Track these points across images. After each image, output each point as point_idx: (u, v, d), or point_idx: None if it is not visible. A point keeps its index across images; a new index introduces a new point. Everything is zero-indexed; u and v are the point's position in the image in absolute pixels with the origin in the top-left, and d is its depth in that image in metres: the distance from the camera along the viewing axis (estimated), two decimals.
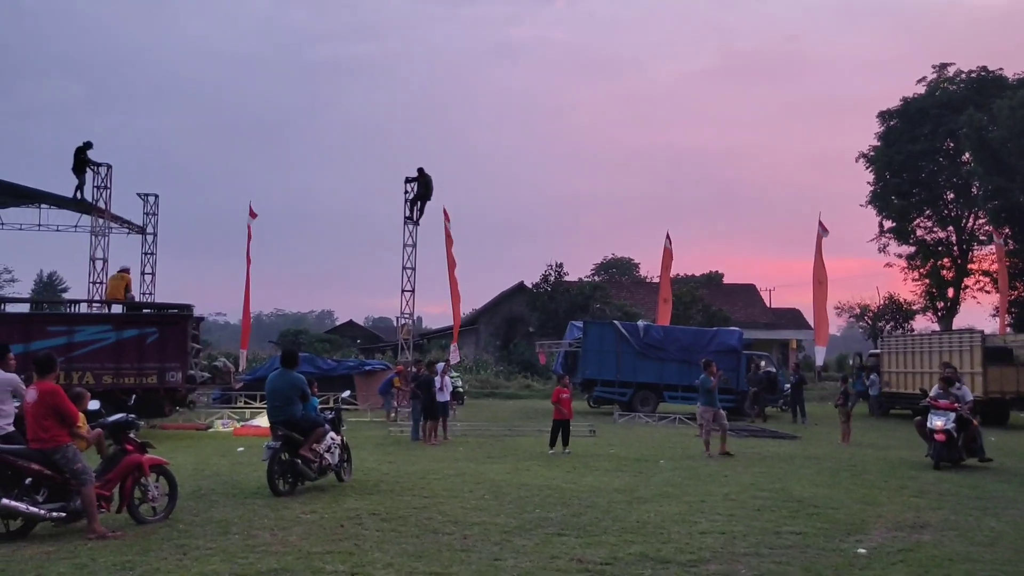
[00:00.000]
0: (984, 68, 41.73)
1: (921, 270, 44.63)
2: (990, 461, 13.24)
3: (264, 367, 26.72)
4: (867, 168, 44.07)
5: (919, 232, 44.27)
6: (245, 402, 23.98)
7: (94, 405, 8.60)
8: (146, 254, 24.97)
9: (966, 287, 43.72)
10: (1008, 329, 32.09)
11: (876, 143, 43.91)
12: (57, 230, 25.24)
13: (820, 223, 27.00)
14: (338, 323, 79.83)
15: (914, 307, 47.28)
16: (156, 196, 25.26)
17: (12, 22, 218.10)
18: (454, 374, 22.42)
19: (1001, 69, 41.39)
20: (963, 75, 42.16)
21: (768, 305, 55.96)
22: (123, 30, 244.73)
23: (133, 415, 8.35)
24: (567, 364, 27.22)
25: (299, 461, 9.62)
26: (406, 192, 23.11)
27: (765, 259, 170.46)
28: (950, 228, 44.00)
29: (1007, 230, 36.95)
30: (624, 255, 74.30)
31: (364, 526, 7.77)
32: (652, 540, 7.30)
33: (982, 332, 24.92)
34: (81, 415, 7.58)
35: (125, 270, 20.73)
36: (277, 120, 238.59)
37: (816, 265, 26.68)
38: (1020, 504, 9.77)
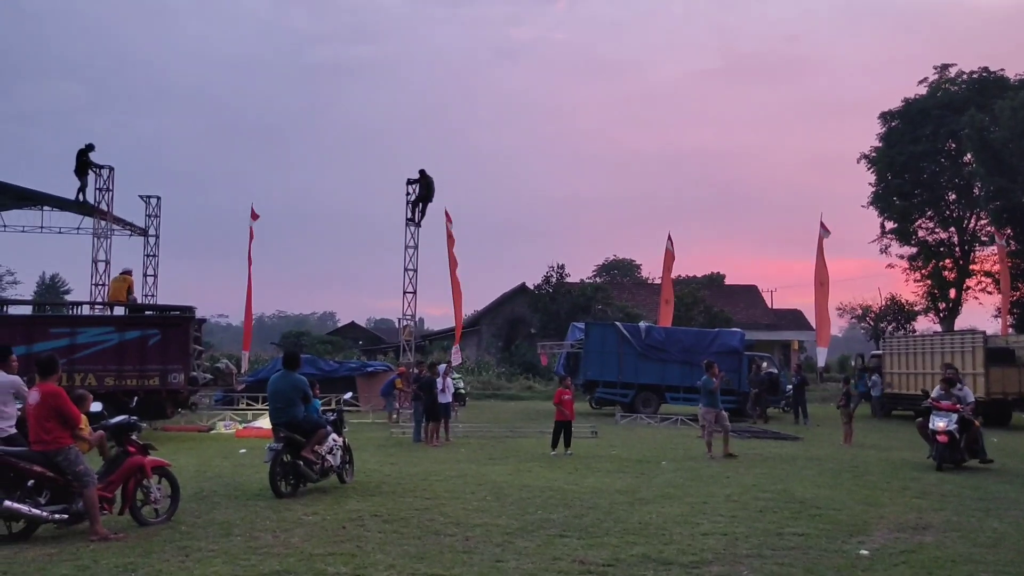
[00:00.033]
0: (986, 69, 41.77)
1: (923, 271, 44.60)
2: (992, 462, 13.24)
3: (266, 369, 26.77)
4: (868, 169, 44.13)
5: (921, 233, 44.25)
6: (247, 404, 23.96)
7: (96, 407, 8.63)
8: (148, 256, 25.02)
9: (968, 288, 43.71)
10: (1010, 330, 32.00)
11: (877, 144, 43.93)
12: (59, 232, 25.38)
13: (821, 224, 26.92)
14: (340, 325, 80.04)
15: (916, 308, 47.28)
16: (158, 198, 25.31)
17: (13, 24, 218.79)
18: (456, 375, 22.41)
19: (1003, 70, 41.66)
20: (964, 76, 42.19)
21: (770, 306, 55.89)
22: (124, 32, 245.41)
23: (135, 417, 8.35)
24: (569, 365, 27.21)
25: (301, 463, 9.63)
26: (408, 194, 23.12)
27: (766, 260, 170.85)
28: (952, 229, 43.97)
29: (1009, 231, 36.86)
30: (625, 256, 74.67)
31: (366, 528, 7.77)
32: (654, 541, 7.30)
33: (984, 333, 24.92)
34: (83, 417, 7.60)
35: (127, 272, 20.81)
36: (278, 121, 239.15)
37: (818, 266, 26.61)
38: (1022, 505, 9.76)
